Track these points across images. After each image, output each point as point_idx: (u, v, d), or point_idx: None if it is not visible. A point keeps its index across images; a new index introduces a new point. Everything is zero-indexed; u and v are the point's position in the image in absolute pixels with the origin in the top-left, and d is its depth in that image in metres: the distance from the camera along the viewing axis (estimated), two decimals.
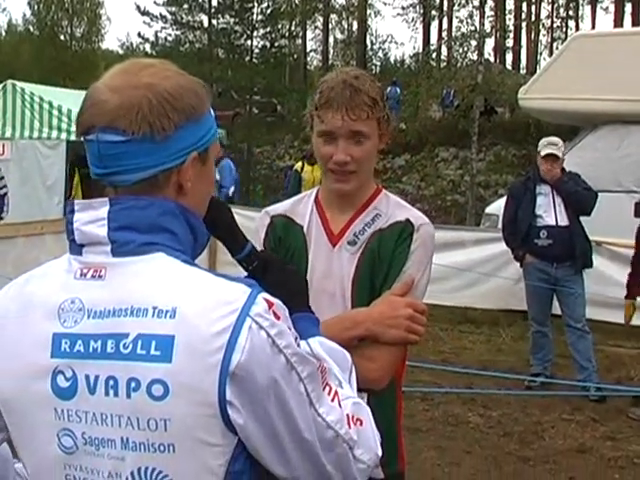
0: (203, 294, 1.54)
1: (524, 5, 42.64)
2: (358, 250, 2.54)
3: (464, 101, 23.63)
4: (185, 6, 36.26)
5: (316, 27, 49.49)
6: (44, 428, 1.61)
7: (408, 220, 2.53)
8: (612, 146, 11.79)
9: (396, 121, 27.94)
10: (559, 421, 7.02)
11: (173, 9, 36.62)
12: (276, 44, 37.37)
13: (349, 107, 2.43)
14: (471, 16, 24.53)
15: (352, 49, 44.48)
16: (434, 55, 30.56)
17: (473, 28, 23.87)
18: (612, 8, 41.13)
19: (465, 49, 24.32)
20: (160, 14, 37.32)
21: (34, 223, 10.57)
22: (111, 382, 1.54)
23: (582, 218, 7.77)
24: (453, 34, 27.49)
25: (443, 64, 27.93)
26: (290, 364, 1.57)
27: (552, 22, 44.12)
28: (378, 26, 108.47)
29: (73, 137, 14.53)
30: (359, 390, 1.93)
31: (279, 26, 37.19)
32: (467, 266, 10.48)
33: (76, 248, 1.64)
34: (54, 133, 14.76)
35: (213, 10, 35.38)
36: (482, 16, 23.98)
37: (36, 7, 52.43)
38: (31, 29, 54.17)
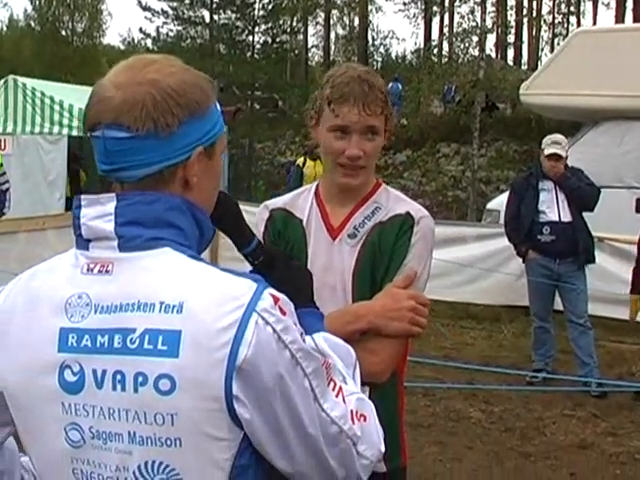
0: (210, 289, 1.55)
1: (525, 1, 42.57)
2: (358, 243, 2.55)
3: (465, 97, 23.59)
4: (187, 1, 36.12)
5: (317, 23, 49.48)
6: (51, 422, 1.62)
7: (408, 213, 2.54)
8: (613, 142, 11.79)
9: (398, 117, 27.93)
10: (560, 417, 7.03)
11: (174, 4, 36.51)
12: (277, 40, 37.26)
13: (365, 102, 2.44)
14: (472, 12, 24.50)
15: (353, 45, 44.44)
16: (435, 51, 30.49)
17: (474, 24, 23.84)
18: (613, 4, 41.03)
19: (466, 45, 24.29)
20: (162, 9, 37.24)
21: (36, 218, 10.60)
22: (118, 377, 1.55)
23: (584, 214, 7.77)
24: (454, 30, 27.44)
25: (444, 60, 27.89)
26: (295, 359, 1.57)
27: (553, 18, 43.95)
28: (379, 22, 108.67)
29: (74, 132, 14.57)
30: (361, 384, 1.94)
31: (280, 22, 37.05)
32: (468, 262, 10.48)
33: (83, 243, 1.65)
34: (55, 128, 14.77)
35: (214, 5, 35.28)
36: (483, 12, 23.95)
37: (37, 2, 52.35)
38: (32, 24, 54.09)
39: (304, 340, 1.62)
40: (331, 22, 47.51)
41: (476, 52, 23.67)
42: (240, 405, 1.53)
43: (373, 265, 2.51)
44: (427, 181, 25.85)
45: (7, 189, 12.59)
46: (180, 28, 37.47)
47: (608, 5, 44.82)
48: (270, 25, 36.28)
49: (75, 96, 15.17)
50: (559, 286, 7.76)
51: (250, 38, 35.34)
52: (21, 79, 15.26)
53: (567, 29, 43.46)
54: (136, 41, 56.19)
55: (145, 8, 37.79)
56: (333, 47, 50.32)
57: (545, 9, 43.70)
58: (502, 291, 10.53)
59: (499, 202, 11.82)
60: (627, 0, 38.22)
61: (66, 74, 38.74)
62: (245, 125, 27.20)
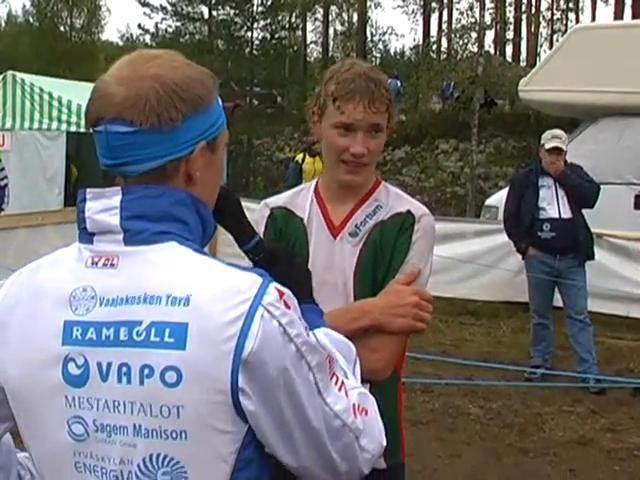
0: (216, 283, 1.56)
1: None
2: (360, 241, 2.55)
3: (464, 93, 23.63)
4: None
5: (316, 19, 49.42)
6: (54, 415, 1.62)
7: (409, 211, 2.55)
8: (612, 138, 11.78)
9: (397, 114, 27.87)
10: (559, 413, 7.03)
11: (173, 0, 36.53)
12: (276, 36, 37.16)
13: (371, 100, 2.44)
14: (471, 8, 24.56)
15: (352, 41, 44.41)
16: (434, 47, 30.55)
17: (473, 20, 23.88)
18: (612, 0, 41.05)
19: (465, 41, 24.33)
20: (160, 5, 37.18)
21: (35, 214, 10.61)
22: (124, 369, 1.55)
23: (583, 210, 7.77)
24: (453, 26, 27.46)
25: (443, 56, 27.91)
26: (300, 353, 1.59)
27: (552, 14, 43.98)
28: (378, 18, 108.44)
29: (73, 128, 14.56)
30: (361, 380, 1.94)
31: (279, 18, 37.02)
32: (467, 258, 10.49)
33: (87, 237, 1.65)
34: (54, 124, 14.76)
35: (213, 2, 35.21)
36: (482, 8, 23.95)
37: None
38: (31, 20, 53.98)
39: (308, 334, 1.63)
40: (330, 18, 47.46)
41: (475, 48, 23.72)
42: (245, 398, 1.54)
43: (375, 263, 2.51)
44: (426, 177, 25.86)
45: (6, 185, 12.60)
46: (179, 24, 37.41)
47: (607, 1, 44.85)
48: (269, 21, 36.25)
49: (74, 92, 15.15)
50: (559, 282, 7.76)
51: (249, 34, 35.32)
52: (20, 75, 15.23)
53: (566, 25, 43.49)
54: (134, 37, 56.19)
55: (144, 4, 37.74)
56: (332, 43, 50.30)
57: (544, 5, 43.74)
58: (501, 287, 10.54)
59: (498, 198, 11.83)
60: None
61: (64, 70, 38.71)
62: (244, 121, 27.19)
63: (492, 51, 34.78)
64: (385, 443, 1.76)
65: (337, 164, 2.54)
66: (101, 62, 48.42)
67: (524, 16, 41.28)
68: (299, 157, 15.99)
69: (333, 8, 45.61)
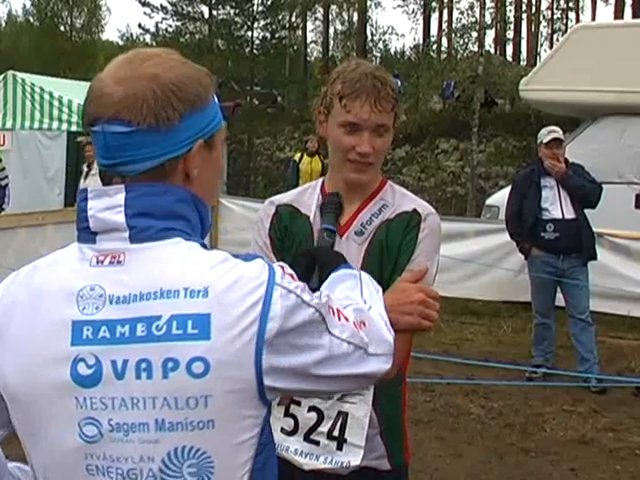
0: (230, 272, 1.60)
1: None
2: (366, 240, 2.56)
3: (464, 93, 23.63)
4: None
5: (316, 18, 49.44)
6: (62, 418, 1.61)
7: (415, 210, 2.56)
8: (613, 138, 11.76)
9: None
10: (560, 412, 7.04)
11: (174, 0, 36.52)
12: (276, 35, 37.10)
13: (377, 98, 2.45)
14: (472, 7, 24.57)
15: (352, 40, 44.41)
16: (434, 47, 30.53)
17: (473, 19, 23.87)
18: (612, 0, 41.04)
19: (466, 40, 24.34)
20: (160, 5, 37.09)
21: (35, 214, 10.59)
22: (143, 365, 1.56)
23: (585, 210, 7.77)
24: (454, 25, 27.45)
25: (443, 56, 27.92)
26: (317, 312, 1.66)
27: (552, 13, 43.92)
28: (378, 17, 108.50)
29: (74, 128, 14.54)
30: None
31: (279, 17, 37.00)
32: (468, 257, 10.48)
33: (89, 236, 1.66)
34: (55, 124, 14.73)
35: (213, 1, 35.15)
36: (482, 7, 23.93)
37: None
38: (31, 20, 54.05)
39: (313, 292, 1.72)
40: (330, 18, 47.46)
41: (475, 48, 23.71)
42: (270, 380, 1.60)
43: (381, 262, 2.52)
44: (426, 177, 25.83)
45: (6, 185, 12.61)
46: (179, 24, 37.35)
47: (607, 1, 44.85)
48: (269, 21, 36.20)
49: (74, 92, 15.12)
50: (561, 282, 7.75)
51: (249, 34, 35.25)
52: (20, 74, 15.20)
53: (566, 25, 43.44)
54: (135, 37, 56.20)
55: (144, 4, 37.68)
56: (332, 43, 50.30)
57: (544, 5, 43.72)
58: (502, 287, 10.53)
59: (499, 198, 11.82)
60: None
61: (65, 69, 38.72)
62: (244, 121, 27.16)
63: (492, 50, 34.80)
64: (393, 336, 1.84)
65: (343, 163, 2.55)
66: (101, 62, 48.33)
67: (524, 15, 41.25)
68: (297, 156, 16.05)
69: (333, 7, 45.60)
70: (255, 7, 35.19)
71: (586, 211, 7.79)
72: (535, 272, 7.92)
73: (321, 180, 2.74)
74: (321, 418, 2.50)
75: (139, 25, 55.79)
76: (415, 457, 5.72)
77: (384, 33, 58.57)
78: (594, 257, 7.81)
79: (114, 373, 1.57)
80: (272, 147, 30.45)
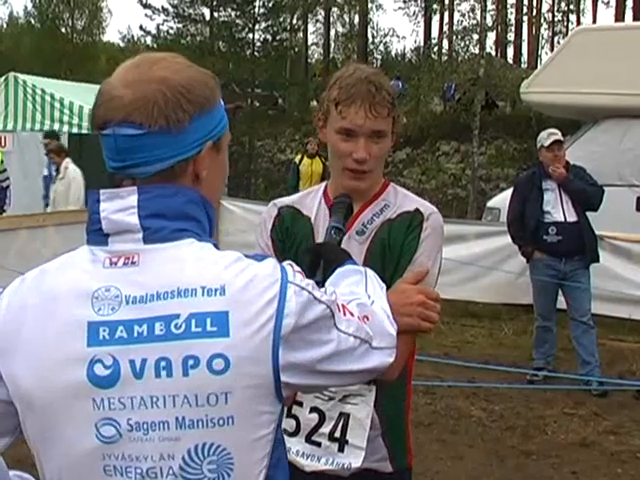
0: (245, 271, 1.63)
1: None
2: (367, 240, 2.56)
3: (465, 95, 23.60)
4: None
5: (317, 20, 49.38)
6: (78, 420, 1.61)
7: (417, 210, 2.56)
8: (614, 140, 11.77)
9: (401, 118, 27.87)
10: (561, 415, 7.03)
11: (175, 2, 36.38)
12: (277, 37, 37.10)
13: (372, 103, 2.45)
14: (473, 10, 24.49)
15: (353, 42, 44.41)
16: (435, 49, 30.49)
17: (475, 22, 23.84)
18: (613, 2, 41.03)
19: (467, 43, 24.31)
20: (162, 7, 37.11)
21: (36, 215, 10.61)
22: (162, 363, 1.58)
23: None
24: (455, 28, 27.44)
25: (444, 58, 27.92)
26: (328, 308, 1.71)
27: (553, 16, 43.91)
28: (379, 19, 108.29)
29: (75, 130, 14.54)
30: (368, 382, 1.97)
31: (281, 19, 37.01)
32: (469, 260, 10.47)
33: (100, 238, 1.67)
34: (56, 126, 14.73)
35: (215, 3, 35.17)
36: (483, 10, 23.93)
37: None
38: (32, 21, 54.07)
39: (321, 288, 1.78)
40: (331, 20, 47.41)
41: (476, 50, 23.68)
42: (287, 375, 1.64)
43: (383, 261, 2.52)
44: (427, 179, 25.84)
45: (7, 186, 12.63)
46: (180, 26, 37.37)
47: (608, 3, 44.86)
48: (270, 23, 36.21)
49: (75, 93, 15.13)
50: (563, 284, 7.75)
51: (250, 36, 35.26)
52: (22, 76, 15.20)
53: (567, 27, 43.51)
54: (136, 39, 56.16)
55: (145, 5, 37.69)
56: (333, 45, 50.25)
57: (545, 7, 43.72)
58: (502, 289, 10.53)
59: (499, 200, 11.84)
60: None
61: (66, 71, 38.79)
62: (245, 123, 27.19)
63: (493, 53, 34.81)
64: (395, 328, 1.89)
65: (342, 171, 2.56)
66: (102, 63, 48.52)
67: (525, 18, 41.27)
68: (297, 158, 16.07)
69: (334, 10, 45.60)
70: (256, 9, 35.22)
71: (587, 214, 7.78)
72: (537, 275, 7.91)
73: (324, 184, 2.75)
74: (323, 419, 2.50)
75: (140, 27, 55.84)
76: (416, 460, 5.69)
77: (385, 35, 58.28)
78: (597, 260, 7.80)
79: (132, 372, 1.58)
80: (273, 149, 30.46)
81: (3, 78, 15.01)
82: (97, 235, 1.67)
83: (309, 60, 47.94)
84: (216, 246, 1.69)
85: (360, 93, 2.45)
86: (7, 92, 14.90)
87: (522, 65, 41.23)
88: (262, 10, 35.44)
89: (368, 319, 1.80)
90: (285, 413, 2.53)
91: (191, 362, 1.57)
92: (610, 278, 9.41)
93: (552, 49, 41.09)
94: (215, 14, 35.75)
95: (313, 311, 1.66)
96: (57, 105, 14.45)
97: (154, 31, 39.76)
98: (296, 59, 44.74)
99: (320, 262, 2.24)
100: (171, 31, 38.07)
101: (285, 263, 1.72)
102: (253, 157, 29.36)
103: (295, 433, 2.52)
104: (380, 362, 1.80)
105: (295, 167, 15.66)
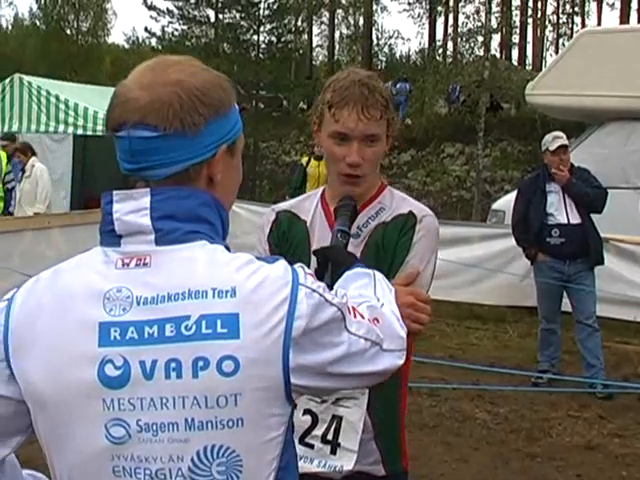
0: (256, 273, 1.63)
1: (530, 1, 42.46)
2: (361, 242, 2.58)
3: (470, 97, 23.67)
4: (192, 1, 36.10)
5: (322, 22, 49.53)
6: (88, 420, 1.61)
7: (411, 212, 2.57)
8: (619, 142, 11.75)
9: (403, 117, 27.93)
10: (566, 418, 7.01)
11: (180, 4, 36.51)
12: (282, 39, 37.15)
13: (364, 106, 2.46)
14: (477, 12, 24.56)
15: (358, 44, 44.44)
16: (440, 51, 30.56)
17: (479, 24, 23.88)
18: (618, 4, 40.99)
19: (471, 45, 24.37)
20: (167, 9, 37.26)
21: (41, 217, 10.62)
22: (172, 364, 1.58)
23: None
24: (459, 30, 27.48)
25: (449, 60, 27.95)
26: (339, 311, 1.70)
27: (558, 18, 43.92)
28: (384, 21, 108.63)
29: (80, 131, 14.57)
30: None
31: (285, 21, 37.06)
32: (473, 262, 10.46)
33: (113, 239, 1.67)
34: (61, 127, 14.76)
35: (220, 5, 35.30)
36: (488, 12, 23.96)
37: (42, 1, 52.46)
38: (37, 23, 54.20)
39: (332, 290, 1.78)
40: (336, 22, 47.57)
41: (481, 52, 23.71)
42: (296, 377, 1.63)
43: (377, 264, 2.50)
44: (431, 181, 25.86)
45: (13, 188, 12.62)
46: (185, 27, 37.47)
47: (613, 5, 44.81)
48: (275, 25, 36.25)
49: (80, 95, 15.16)
50: (568, 287, 7.73)
51: (255, 37, 35.32)
52: (27, 78, 15.24)
53: (572, 29, 43.48)
54: (141, 40, 56.25)
55: (150, 7, 37.83)
56: (338, 47, 50.38)
57: (550, 9, 43.73)
58: (507, 291, 10.52)
59: (504, 202, 11.82)
60: (632, 0, 38.17)
61: (71, 73, 38.86)
62: (250, 124, 27.17)
63: (498, 55, 34.82)
64: (405, 331, 1.88)
65: (337, 176, 2.57)
66: (107, 65, 48.61)
67: (530, 20, 41.24)
68: (304, 160, 16.01)
69: (339, 12, 45.71)
70: (261, 11, 35.28)
71: (592, 216, 7.77)
72: (541, 277, 7.90)
73: (322, 188, 2.77)
74: (315, 421, 2.50)
75: (145, 29, 56.17)
76: (421, 462, 5.73)
77: (390, 37, 58.40)
78: (601, 262, 7.78)
79: (143, 374, 1.58)
80: (278, 151, 30.52)
81: (8, 80, 15.04)
82: (110, 236, 1.67)
83: (314, 62, 48.01)
84: (228, 248, 1.69)
85: (353, 95, 2.46)
86: (12, 93, 14.94)
87: (527, 67, 41.22)
88: (267, 12, 35.51)
89: (378, 321, 1.80)
90: None
91: (201, 363, 1.57)
92: (615, 280, 9.39)
93: (557, 51, 41.10)
94: (220, 16, 35.84)
95: (324, 313, 1.66)
96: (62, 107, 14.49)
97: (159, 33, 39.91)
98: (301, 61, 44.78)
99: (328, 265, 2.24)
100: (176, 33, 38.19)
101: (296, 265, 1.71)
102: (258, 159, 29.39)
103: None
104: (391, 364, 1.80)
105: (301, 169, 15.60)
